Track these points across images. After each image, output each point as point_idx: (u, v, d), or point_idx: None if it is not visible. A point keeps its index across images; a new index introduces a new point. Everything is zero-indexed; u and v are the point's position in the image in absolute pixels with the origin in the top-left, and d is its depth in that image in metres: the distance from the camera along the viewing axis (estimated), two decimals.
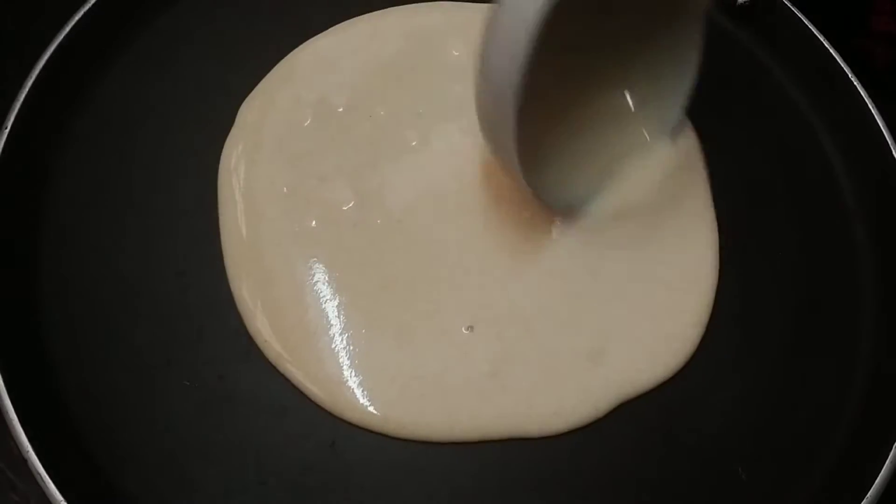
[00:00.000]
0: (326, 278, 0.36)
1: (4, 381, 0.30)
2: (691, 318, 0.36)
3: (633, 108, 0.39)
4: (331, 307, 0.35)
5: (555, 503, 0.32)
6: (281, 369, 0.34)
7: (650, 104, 0.39)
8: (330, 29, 0.43)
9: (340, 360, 0.34)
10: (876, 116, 0.40)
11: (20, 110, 0.36)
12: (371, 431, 0.33)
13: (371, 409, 0.33)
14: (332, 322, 0.35)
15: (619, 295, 0.36)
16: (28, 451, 0.29)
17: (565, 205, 0.37)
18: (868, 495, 0.31)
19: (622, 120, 0.39)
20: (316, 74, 0.41)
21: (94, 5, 0.39)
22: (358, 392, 0.33)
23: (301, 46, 0.42)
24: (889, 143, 0.39)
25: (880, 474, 0.32)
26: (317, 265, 0.36)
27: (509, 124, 0.30)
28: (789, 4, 0.43)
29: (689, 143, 0.40)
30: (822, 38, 0.42)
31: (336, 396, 0.33)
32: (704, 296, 0.37)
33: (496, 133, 0.32)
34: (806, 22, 0.43)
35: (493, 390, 0.34)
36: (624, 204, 0.38)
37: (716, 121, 0.41)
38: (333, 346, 0.34)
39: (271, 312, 0.35)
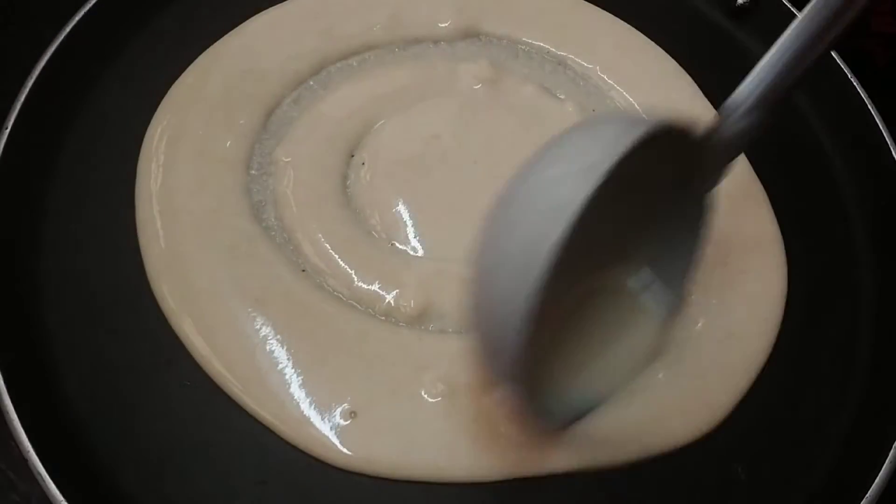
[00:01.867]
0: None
1: (4, 381, 0.30)
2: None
3: (636, 296, 0.33)
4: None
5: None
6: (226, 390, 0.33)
7: (653, 288, 0.34)
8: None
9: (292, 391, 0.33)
10: (876, 116, 0.40)
11: (20, 110, 0.36)
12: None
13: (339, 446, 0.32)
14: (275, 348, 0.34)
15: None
16: (28, 451, 0.29)
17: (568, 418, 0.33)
18: (868, 495, 0.31)
19: (627, 312, 0.34)
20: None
21: (94, 5, 0.39)
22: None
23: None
24: (889, 143, 0.39)
25: (880, 474, 0.32)
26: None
27: (515, 351, 0.25)
28: (789, 4, 0.43)
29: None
30: None
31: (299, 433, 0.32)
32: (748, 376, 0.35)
33: (498, 362, 0.27)
34: None
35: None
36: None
37: None
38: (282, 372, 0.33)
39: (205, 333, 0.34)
